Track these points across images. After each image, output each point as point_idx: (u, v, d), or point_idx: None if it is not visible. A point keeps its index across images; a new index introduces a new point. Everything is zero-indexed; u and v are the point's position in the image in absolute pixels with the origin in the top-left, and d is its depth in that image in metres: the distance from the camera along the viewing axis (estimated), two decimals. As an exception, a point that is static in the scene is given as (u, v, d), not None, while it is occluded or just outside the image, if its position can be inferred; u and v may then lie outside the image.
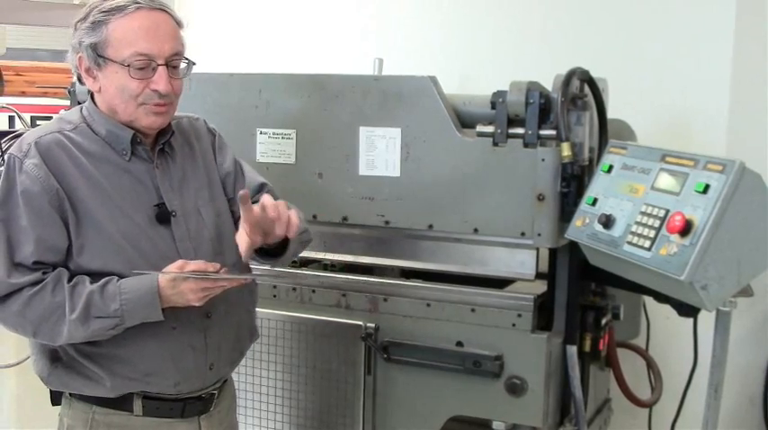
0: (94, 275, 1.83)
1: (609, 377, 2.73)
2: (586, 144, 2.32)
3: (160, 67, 1.85)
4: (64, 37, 1.96)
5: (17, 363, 3.12)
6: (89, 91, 1.96)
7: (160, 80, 1.85)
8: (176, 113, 2.00)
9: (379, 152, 2.42)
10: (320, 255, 2.61)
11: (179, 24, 1.92)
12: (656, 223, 1.93)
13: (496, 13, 3.38)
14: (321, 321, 2.48)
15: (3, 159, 2.27)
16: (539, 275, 2.39)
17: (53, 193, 1.82)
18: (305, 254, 2.30)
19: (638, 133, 2.68)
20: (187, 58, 1.93)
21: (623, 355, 2.67)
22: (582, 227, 2.14)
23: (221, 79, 2.63)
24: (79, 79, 1.94)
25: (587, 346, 2.40)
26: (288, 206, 1.85)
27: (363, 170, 2.45)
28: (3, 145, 2.77)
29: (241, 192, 1.73)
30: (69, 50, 1.91)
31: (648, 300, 2.62)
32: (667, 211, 1.92)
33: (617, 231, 2.03)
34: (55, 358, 1.94)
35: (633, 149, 2.15)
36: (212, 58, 3.38)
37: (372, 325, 2.42)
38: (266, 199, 1.81)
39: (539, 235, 2.27)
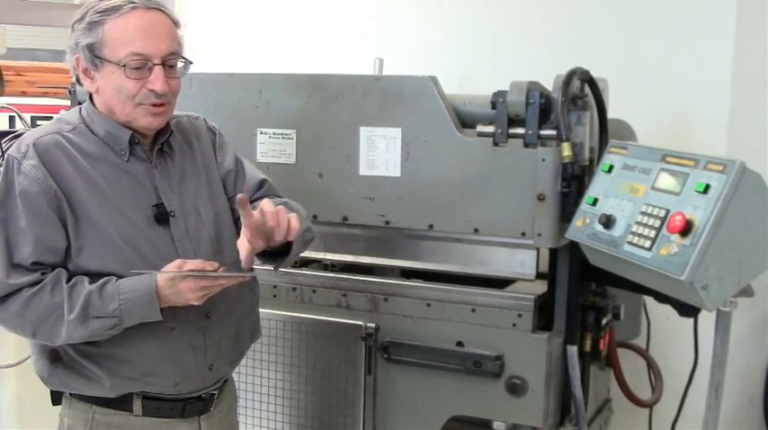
0: (93, 276, 1.83)
1: (609, 377, 2.73)
2: (587, 144, 2.32)
3: (156, 67, 1.84)
4: (64, 37, 1.95)
5: (17, 363, 3.13)
6: (88, 91, 1.95)
7: (156, 80, 1.84)
8: (176, 113, 2.00)
9: (380, 152, 2.42)
10: (320, 255, 2.61)
11: (175, 24, 1.91)
12: (657, 223, 1.93)
13: (497, 13, 3.38)
14: (321, 321, 2.48)
15: (2, 159, 2.27)
16: (539, 275, 2.39)
17: (51, 194, 1.82)
18: (305, 254, 2.30)
19: (639, 133, 2.68)
20: (184, 58, 1.92)
21: (624, 355, 2.67)
22: (582, 227, 2.14)
23: (221, 79, 2.63)
24: (78, 80, 1.94)
25: (588, 346, 2.39)
26: (288, 209, 1.83)
27: (364, 170, 2.45)
28: (3, 145, 2.77)
29: (239, 197, 1.72)
30: (67, 51, 1.91)
31: (649, 300, 2.62)
32: (668, 211, 1.92)
33: (617, 231, 2.03)
34: (55, 358, 1.94)
35: (633, 149, 2.15)
36: (212, 58, 3.39)
37: (373, 325, 2.42)
38: (265, 204, 1.79)
39: (539, 235, 2.27)
